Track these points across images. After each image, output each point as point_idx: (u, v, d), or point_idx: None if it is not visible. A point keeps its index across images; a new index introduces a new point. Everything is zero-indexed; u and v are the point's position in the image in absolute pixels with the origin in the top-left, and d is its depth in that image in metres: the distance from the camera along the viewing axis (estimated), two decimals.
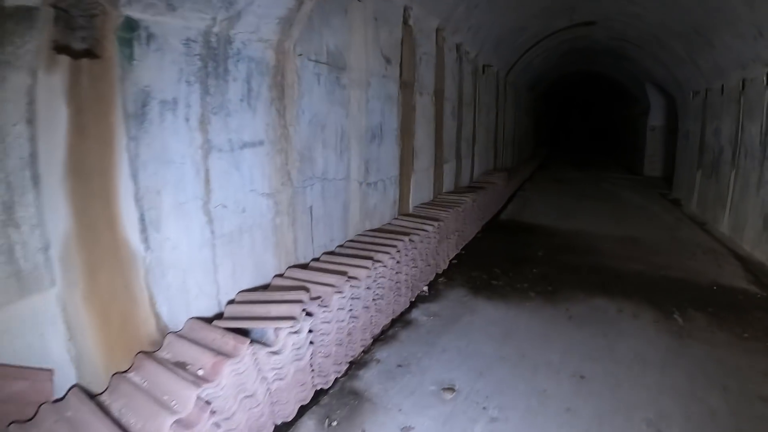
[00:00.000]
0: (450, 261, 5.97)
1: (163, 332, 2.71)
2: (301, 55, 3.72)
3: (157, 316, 2.71)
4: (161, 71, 2.62)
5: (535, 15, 10.05)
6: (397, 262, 4.21)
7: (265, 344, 2.89)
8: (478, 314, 4.63)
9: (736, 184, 8.36)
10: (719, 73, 9.06)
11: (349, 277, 3.51)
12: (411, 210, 5.87)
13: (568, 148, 30.05)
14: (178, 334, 2.74)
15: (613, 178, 16.05)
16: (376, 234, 4.67)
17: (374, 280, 3.88)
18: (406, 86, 5.51)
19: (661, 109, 16.14)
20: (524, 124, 16.74)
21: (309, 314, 3.12)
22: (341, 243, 4.44)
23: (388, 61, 5.04)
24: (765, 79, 7.04)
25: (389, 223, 5.23)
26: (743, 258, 7.00)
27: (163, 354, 2.61)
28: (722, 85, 9.17)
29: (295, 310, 3.03)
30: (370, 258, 3.91)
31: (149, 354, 2.56)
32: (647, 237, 7.93)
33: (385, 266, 3.94)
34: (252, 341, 2.72)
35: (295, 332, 2.98)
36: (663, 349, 4.09)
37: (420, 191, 6.24)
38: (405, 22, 5.44)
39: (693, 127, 11.03)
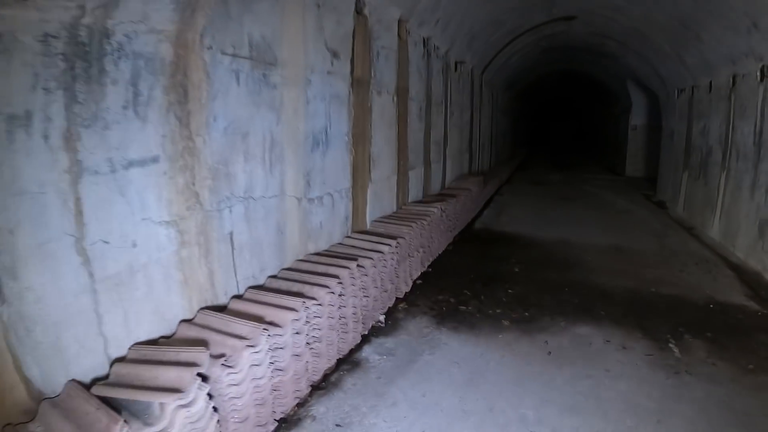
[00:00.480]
0: (414, 281, 5.27)
1: (38, 398, 2.19)
2: (211, 48, 2.99)
3: (26, 381, 2.16)
4: (8, 78, 1.96)
5: (512, 8, 9.41)
6: (340, 295, 3.48)
7: (146, 422, 2.18)
8: (441, 351, 3.92)
9: (726, 187, 7.80)
10: (707, 69, 8.51)
11: (268, 325, 2.78)
12: (368, 226, 5.15)
13: (548, 149, 29.57)
14: (53, 402, 2.20)
15: (595, 179, 15.54)
16: (321, 259, 3.94)
17: (307, 322, 3.15)
18: (360, 84, 4.79)
19: (643, 107, 15.67)
20: (502, 124, 16.14)
21: (205, 379, 2.40)
22: (275, 273, 3.70)
23: (335, 55, 4.31)
24: (759, 74, 6.46)
25: (340, 244, 4.50)
26: (737, 267, 6.44)
27: (33, 428, 2.12)
28: (710, 82, 8.62)
29: (185, 376, 2.30)
30: (302, 294, 3.18)
31: (18, 427, 2.10)
32: (634, 245, 7.32)
33: (320, 304, 3.21)
34: (127, 420, 2.08)
35: (187, 405, 2.26)
36: (658, 391, 3.43)
37: (380, 203, 5.53)
38: (358, 11, 4.73)
39: (678, 126, 10.49)
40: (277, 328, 2.85)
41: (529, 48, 12.67)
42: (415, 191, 6.74)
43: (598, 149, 22.54)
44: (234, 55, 3.19)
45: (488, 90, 12.52)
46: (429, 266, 5.86)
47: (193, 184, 2.96)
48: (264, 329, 2.70)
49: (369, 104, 5.01)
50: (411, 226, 5.06)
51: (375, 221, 5.30)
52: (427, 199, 6.78)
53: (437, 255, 6.19)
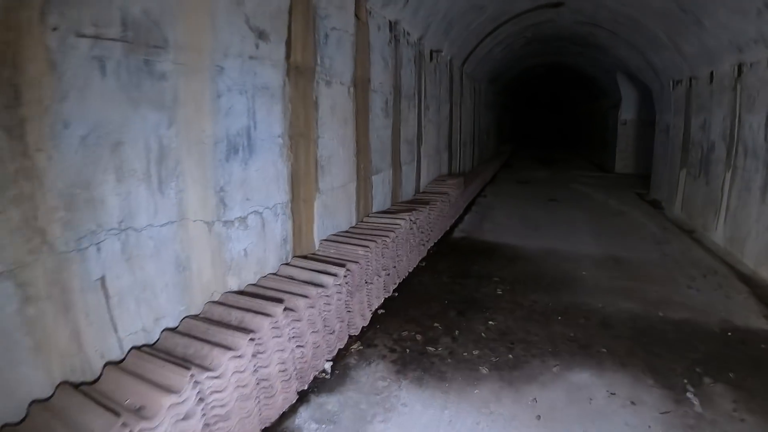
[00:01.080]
0: (374, 311, 4.35)
1: None
2: (57, 29, 2.06)
3: None
4: None
5: None
6: (255, 355, 2.57)
7: None
8: (398, 416, 3.02)
9: (732, 187, 7.01)
10: (708, 58, 7.70)
11: (135, 416, 1.87)
12: (317, 246, 4.23)
13: (534, 145, 28.83)
14: None
15: (584, 176, 14.76)
16: (241, 300, 3.02)
17: (201, 400, 2.24)
18: (300, 73, 3.86)
19: (633, 101, 14.92)
20: (486, 120, 15.29)
21: None
22: (176, 323, 2.78)
23: (261, 35, 3.38)
24: None
25: (274, 275, 3.58)
26: (749, 280, 5.67)
27: None
28: (711, 73, 7.83)
29: None
30: (199, 361, 2.27)
31: None
32: (633, 255, 6.49)
33: (219, 377, 2.30)
34: None
35: None
36: None
37: (333, 217, 4.61)
38: None
39: (675, 120, 9.70)
40: (148, 422, 1.94)
41: (513, 38, 11.80)
42: (381, 199, 5.83)
43: (586, 145, 21.81)
44: (97, 37, 2.25)
45: (470, 83, 11.65)
46: (395, 290, 4.95)
47: (36, 218, 2.04)
48: (125, 423, 1.79)
49: (314, 97, 4.09)
50: (369, 246, 4.14)
51: (326, 240, 4.38)
52: (395, 208, 5.87)
53: (406, 275, 5.29)
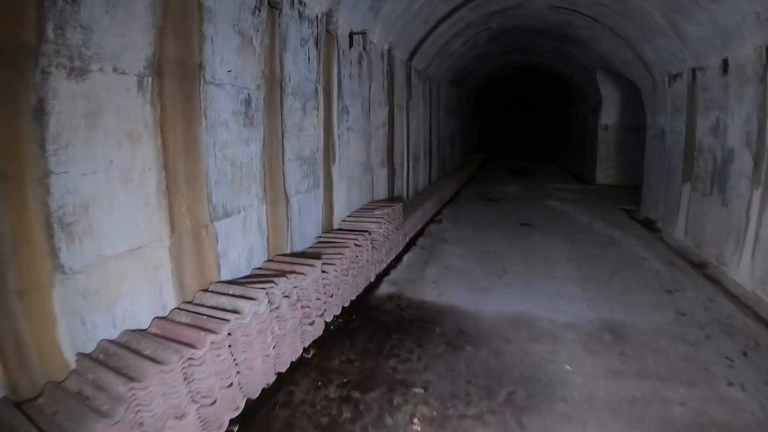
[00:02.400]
0: None
1: None
2: None
3: None
4: None
5: None
6: None
7: None
8: None
9: (765, 210, 5.06)
10: (720, 40, 5.81)
11: None
12: (72, 365, 2.06)
13: (507, 154, 26.74)
14: None
15: (562, 190, 12.77)
16: None
17: None
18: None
19: (615, 104, 13.07)
20: (449, 127, 13.21)
21: None
22: None
23: None
24: None
25: None
26: None
27: None
28: (724, 60, 5.94)
29: None
30: None
31: None
32: (638, 320, 4.44)
33: None
34: None
35: None
36: None
37: (106, 312, 2.43)
38: None
39: (673, 123, 7.76)
40: None
41: (476, 30, 9.81)
42: (241, 256, 3.63)
43: (564, 153, 19.95)
44: None
45: (423, 83, 9.58)
46: (232, 422, 2.76)
47: None
48: None
49: (32, 99, 1.94)
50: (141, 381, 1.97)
51: (85, 358, 2.20)
52: (265, 270, 3.67)
53: (265, 386, 3.11)
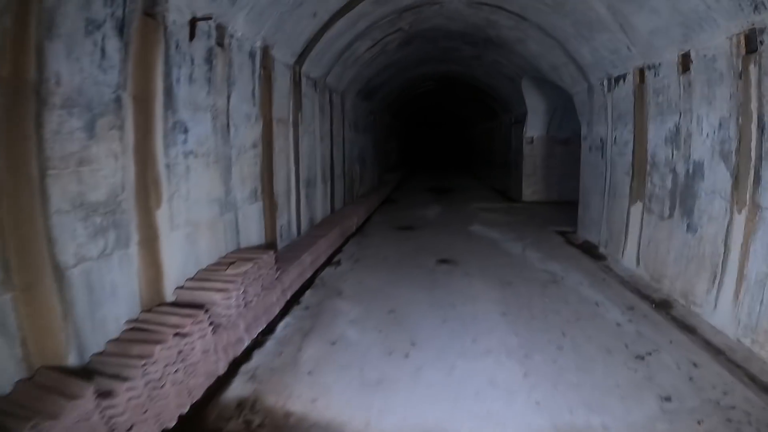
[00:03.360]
0: None
1: None
2: None
3: None
4: None
5: None
6: None
7: None
8: None
9: (751, 239, 3.97)
10: (680, 31, 4.78)
11: None
12: None
13: (428, 171, 25.72)
14: None
15: (487, 210, 11.59)
16: None
17: None
18: None
19: (541, 115, 12.24)
20: (359, 145, 11.60)
21: None
22: None
23: None
24: None
25: None
26: None
27: None
28: (684, 55, 4.90)
29: None
30: None
31: None
32: (611, 422, 2.99)
33: None
34: None
35: None
36: None
37: None
38: None
39: (615, 132, 6.74)
40: None
41: (383, 31, 8.41)
42: None
43: (487, 169, 19.19)
44: None
45: (321, 95, 7.94)
46: None
47: None
48: None
49: None
50: None
51: None
52: None
53: None
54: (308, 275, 5.63)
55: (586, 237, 7.93)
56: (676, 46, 5.04)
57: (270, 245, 5.36)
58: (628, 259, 6.37)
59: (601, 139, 7.20)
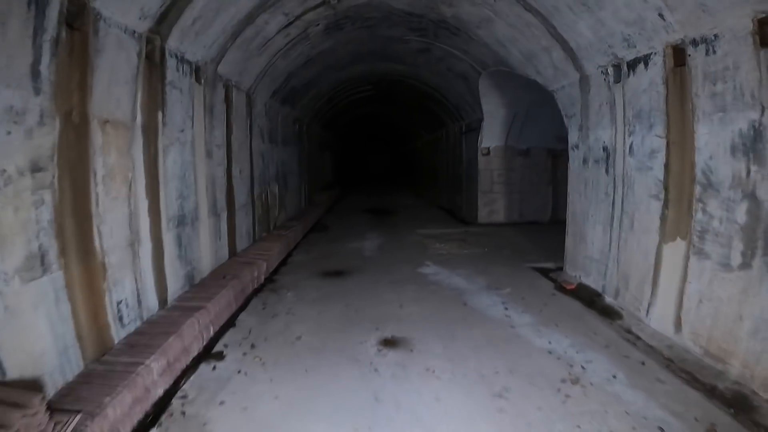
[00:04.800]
0: None
1: None
2: None
3: None
4: None
5: None
6: None
7: None
8: None
9: None
10: None
11: None
12: None
13: (366, 190, 23.07)
14: None
15: (438, 239, 9.33)
16: None
17: None
18: None
19: (499, 121, 10.36)
20: (276, 161, 9.01)
21: None
22: None
23: None
24: None
25: None
26: None
27: None
28: (763, 19, 2.87)
29: None
30: None
31: None
32: None
33: None
34: None
35: None
36: None
37: None
38: None
39: (635, 137, 4.74)
40: None
41: (301, 3, 6.16)
42: None
43: (433, 185, 17.26)
44: None
45: (209, 90, 5.33)
46: None
47: None
48: None
49: None
50: None
51: None
52: None
53: None
54: (154, 398, 3.14)
55: (580, 279, 5.96)
56: (749, 6, 3.14)
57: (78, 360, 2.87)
58: (658, 321, 4.40)
59: (604, 148, 5.25)
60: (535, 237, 9.12)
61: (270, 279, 6.33)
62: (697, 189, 3.93)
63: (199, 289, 4.72)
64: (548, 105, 9.61)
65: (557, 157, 10.87)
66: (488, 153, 10.88)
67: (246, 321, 4.78)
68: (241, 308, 5.04)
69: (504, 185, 10.99)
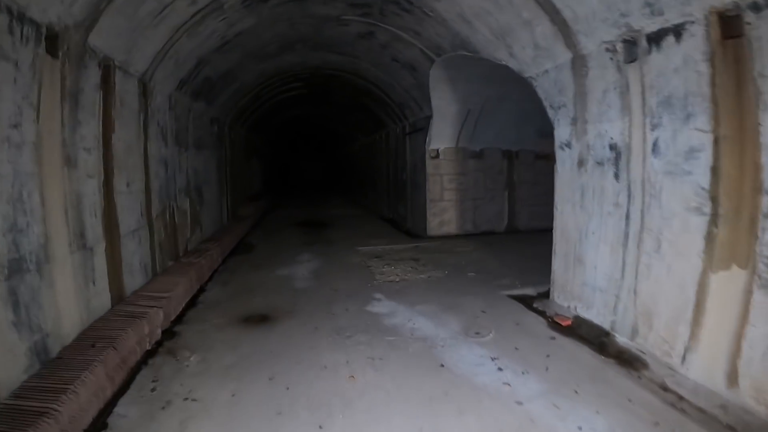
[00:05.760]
0: None
1: None
2: None
3: None
4: None
5: None
6: None
7: None
8: None
9: None
10: None
11: None
12: None
13: (300, 199, 20.93)
14: None
15: (386, 259, 7.85)
16: None
17: None
18: None
19: (450, 119, 9.21)
20: (188, 170, 7.19)
21: None
22: None
23: None
24: None
25: None
26: None
27: None
28: None
29: None
30: None
31: None
32: None
33: None
34: None
35: None
36: None
37: None
38: None
39: (661, 132, 3.56)
40: None
41: None
42: None
43: (374, 193, 15.95)
44: None
45: (70, 68, 3.63)
46: None
47: None
48: None
49: None
50: None
51: None
52: None
53: None
54: None
55: (577, 311, 4.80)
56: None
57: None
58: (701, 371, 3.31)
59: (612, 146, 4.12)
60: (498, 252, 8.01)
61: (170, 332, 4.61)
62: (765, 200, 2.85)
63: (52, 369, 3.07)
64: (507, 99, 8.58)
65: (513, 158, 9.90)
66: (437, 156, 9.71)
67: (123, 419, 3.12)
68: (120, 392, 3.36)
69: (456, 192, 9.86)
